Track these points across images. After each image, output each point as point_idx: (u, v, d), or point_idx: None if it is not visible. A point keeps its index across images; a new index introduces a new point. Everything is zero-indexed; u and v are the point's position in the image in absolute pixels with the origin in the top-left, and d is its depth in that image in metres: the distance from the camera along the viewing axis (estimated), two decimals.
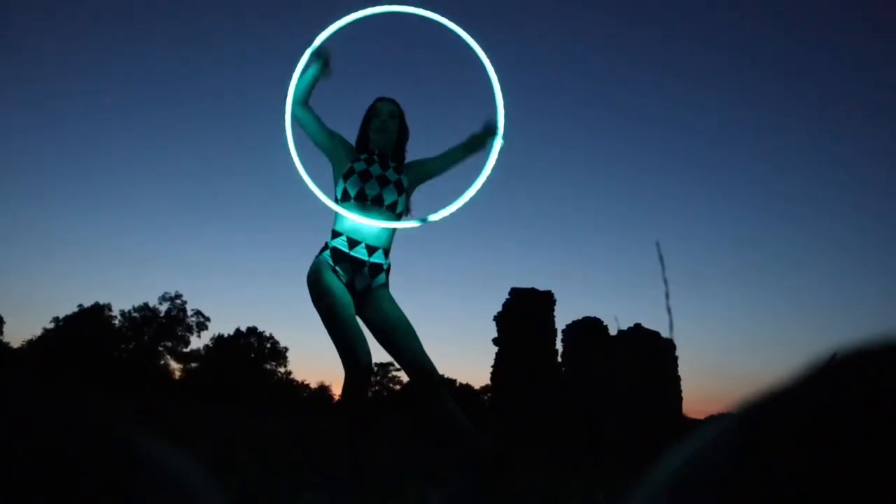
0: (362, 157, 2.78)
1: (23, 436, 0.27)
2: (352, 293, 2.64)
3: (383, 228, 2.68)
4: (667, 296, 1.60)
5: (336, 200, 2.73)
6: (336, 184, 2.77)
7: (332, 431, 7.31)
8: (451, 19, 2.88)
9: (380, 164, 2.77)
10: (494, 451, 2.48)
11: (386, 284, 2.74)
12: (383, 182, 2.72)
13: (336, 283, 2.61)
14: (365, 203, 2.67)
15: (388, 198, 2.70)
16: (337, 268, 2.64)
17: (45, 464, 0.27)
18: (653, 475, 0.32)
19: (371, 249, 2.66)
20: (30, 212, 66.43)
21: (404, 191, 2.77)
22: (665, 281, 1.61)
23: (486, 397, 45.78)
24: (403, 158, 2.90)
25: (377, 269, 2.69)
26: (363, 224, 2.65)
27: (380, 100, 2.91)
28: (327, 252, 2.67)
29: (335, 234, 2.70)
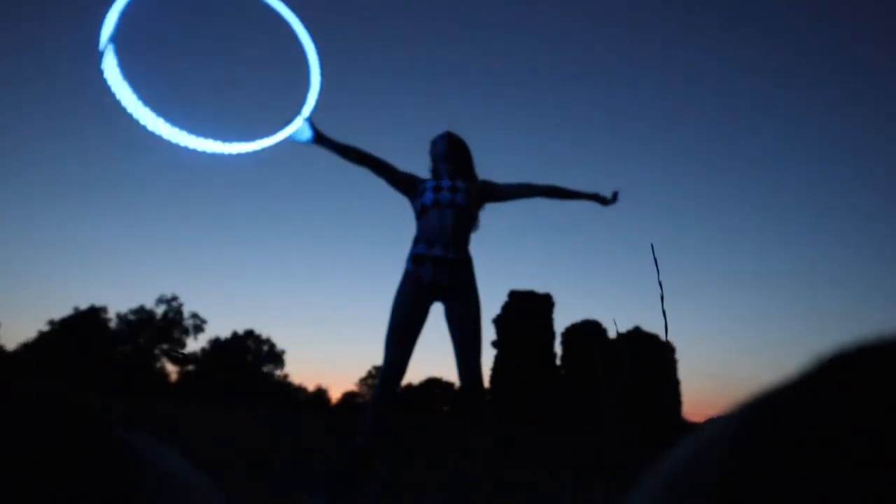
0: (431, 177, 3.09)
1: (21, 438, 0.27)
2: (435, 291, 2.82)
3: (446, 225, 2.86)
4: (662, 298, 1.60)
5: (416, 217, 2.97)
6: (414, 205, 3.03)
7: (330, 433, 7.31)
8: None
9: (448, 178, 3.03)
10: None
11: (466, 281, 2.85)
12: (453, 190, 2.96)
13: (403, 298, 2.82)
14: (440, 206, 2.90)
15: (459, 199, 2.92)
16: (419, 271, 2.82)
17: (44, 466, 0.27)
18: (650, 476, 0.32)
19: (446, 246, 2.83)
20: (25, 214, 66.38)
21: (466, 192, 2.96)
22: (660, 283, 1.62)
23: None
24: (468, 173, 3.09)
25: (454, 263, 2.84)
26: (434, 227, 2.87)
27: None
28: (408, 259, 2.88)
29: (415, 242, 2.92)
